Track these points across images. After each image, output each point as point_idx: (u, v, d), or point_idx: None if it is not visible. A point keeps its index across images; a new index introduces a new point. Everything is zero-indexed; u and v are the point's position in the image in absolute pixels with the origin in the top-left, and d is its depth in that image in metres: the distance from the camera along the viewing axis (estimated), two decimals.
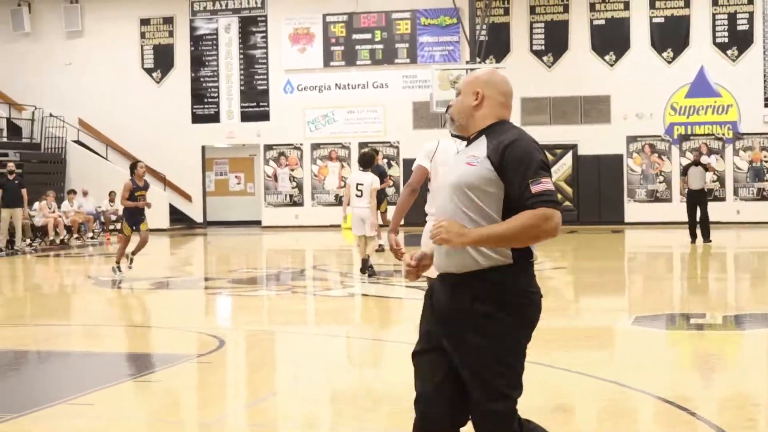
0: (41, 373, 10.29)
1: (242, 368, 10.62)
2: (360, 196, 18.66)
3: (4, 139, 36.74)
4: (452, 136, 5.53)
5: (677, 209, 33.69)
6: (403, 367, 9.77)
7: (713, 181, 33.47)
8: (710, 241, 25.82)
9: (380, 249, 22.40)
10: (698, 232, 26.03)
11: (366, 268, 18.89)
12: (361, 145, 36.58)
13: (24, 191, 28.05)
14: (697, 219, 26.04)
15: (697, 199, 26.10)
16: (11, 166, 28.79)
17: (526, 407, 8.21)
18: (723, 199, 33.64)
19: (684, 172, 26.87)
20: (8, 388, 9.66)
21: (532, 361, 9.95)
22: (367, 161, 19.11)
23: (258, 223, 37.74)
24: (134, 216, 19.95)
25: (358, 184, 18.74)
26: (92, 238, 32.32)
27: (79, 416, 8.28)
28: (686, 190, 26.45)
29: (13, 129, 38.25)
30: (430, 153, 8.04)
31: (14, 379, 10.11)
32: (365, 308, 15.74)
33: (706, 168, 27.53)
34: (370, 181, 18.64)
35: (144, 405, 8.89)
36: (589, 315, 14.21)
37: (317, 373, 10.21)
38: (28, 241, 28.79)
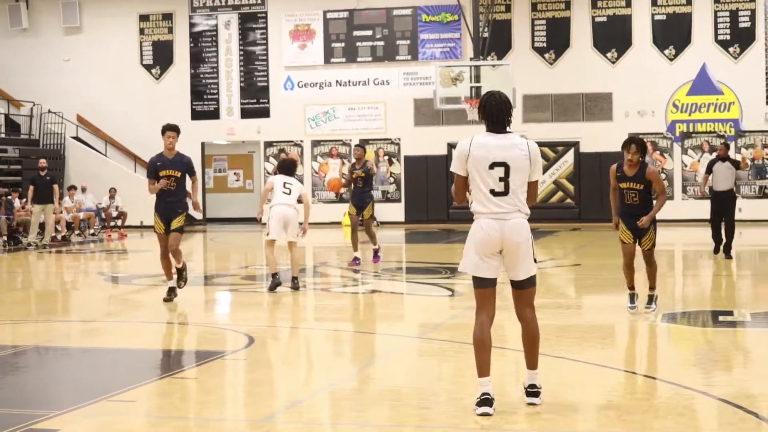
0: (80, 369, 10.18)
1: (278, 365, 10.50)
2: (288, 194, 16.53)
3: (3, 135, 36.57)
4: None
5: (679, 207, 33.78)
6: (437, 363, 9.70)
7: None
8: (731, 257, 21.20)
9: (354, 262, 20.56)
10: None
11: (275, 284, 16.44)
12: (362, 142, 36.50)
13: (55, 187, 28.41)
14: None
15: (723, 203, 21.39)
16: (43, 162, 28.88)
17: (578, 404, 8.18)
18: None
19: (708, 169, 21.87)
20: (49, 384, 9.54)
21: (581, 360, 9.95)
22: (288, 167, 16.96)
23: (257, 220, 37.54)
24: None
25: (285, 183, 16.59)
26: (93, 234, 32.19)
27: (123, 413, 8.17)
28: (708, 189, 22.09)
29: (12, 125, 38.07)
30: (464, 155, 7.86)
31: (54, 375, 9.99)
32: (386, 304, 15.65)
33: (737, 165, 21.68)
34: (299, 187, 16.74)
35: (186, 402, 8.77)
36: (616, 312, 14.10)
37: (354, 369, 10.12)
38: (32, 237, 28.64)
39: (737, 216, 21.90)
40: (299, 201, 16.64)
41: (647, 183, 12.70)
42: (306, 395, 8.94)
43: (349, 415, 7.94)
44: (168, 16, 38.63)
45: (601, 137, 34.62)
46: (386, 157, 36.72)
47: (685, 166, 34.64)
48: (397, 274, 20.11)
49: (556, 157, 35.18)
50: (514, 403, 8.18)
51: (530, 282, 8.11)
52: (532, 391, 8.04)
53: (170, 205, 14.91)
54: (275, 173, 17.38)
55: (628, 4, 35.07)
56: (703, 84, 34.41)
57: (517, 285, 8.11)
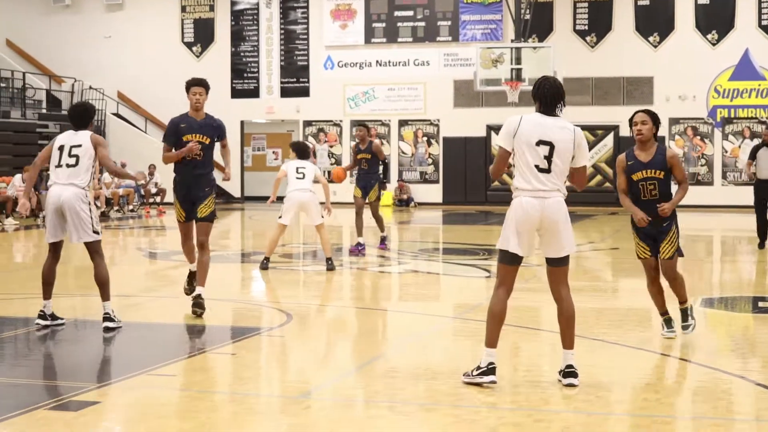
0: (119, 343, 10.23)
1: (315, 343, 10.54)
2: (302, 178, 16.27)
3: (44, 111, 36.76)
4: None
5: (718, 193, 33.69)
6: (473, 343, 9.73)
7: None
8: (763, 246, 19.96)
9: (383, 245, 19.78)
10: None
11: (264, 267, 16.41)
12: (401, 122, 36.55)
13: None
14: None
15: (766, 191, 19.78)
16: None
17: (616, 383, 8.19)
18: None
19: (752, 155, 20.06)
20: (88, 358, 9.63)
21: (617, 342, 9.94)
22: (302, 150, 16.92)
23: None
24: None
25: (298, 168, 16.36)
26: (132, 210, 32.36)
27: (164, 387, 8.23)
28: (754, 178, 20.12)
29: (53, 101, 38.28)
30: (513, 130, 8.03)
31: (93, 349, 10.08)
32: (423, 284, 15.67)
33: None
34: (312, 169, 16.49)
35: (224, 378, 8.83)
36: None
37: (391, 348, 10.15)
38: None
39: None
40: (316, 181, 16.45)
41: (668, 170, 9.83)
42: (343, 373, 8.98)
43: (385, 393, 7.96)
44: None
45: None
46: (425, 138, 36.68)
47: (726, 151, 34.43)
48: (434, 255, 20.12)
49: (596, 140, 35.05)
50: (549, 384, 8.18)
51: (566, 260, 8.26)
52: (570, 371, 8.11)
53: (196, 180, 11.96)
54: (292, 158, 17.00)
55: None
56: (745, 69, 34.17)
57: (553, 263, 8.23)
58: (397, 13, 36.89)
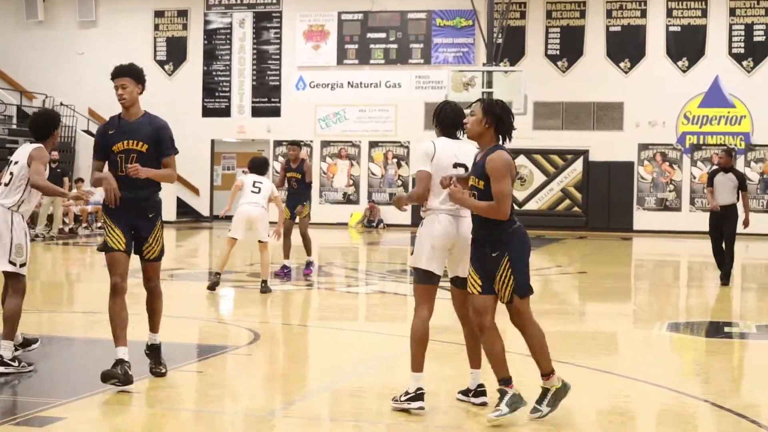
0: (85, 360, 10.21)
1: (282, 362, 10.54)
2: (257, 193, 15.92)
3: (15, 127, 36.60)
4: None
5: (686, 218, 33.84)
6: (440, 365, 9.69)
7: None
8: (727, 283, 18.14)
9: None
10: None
11: (214, 283, 15.96)
12: (372, 144, 36.65)
13: (65, 180, 28.53)
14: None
15: (722, 219, 18.01)
16: (54, 154, 28.95)
17: (583, 409, 8.21)
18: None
19: (710, 181, 18.33)
20: (54, 374, 9.59)
21: (583, 366, 9.97)
22: (259, 166, 16.37)
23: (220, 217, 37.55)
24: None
25: (255, 182, 16.01)
26: (101, 227, 32.24)
27: (130, 404, 8.21)
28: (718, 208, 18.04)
29: (24, 117, 38.02)
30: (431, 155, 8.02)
31: (59, 365, 10.03)
32: (390, 305, 15.67)
33: (743, 181, 18.24)
34: (270, 186, 16.13)
35: (191, 395, 8.81)
36: (621, 320, 14.16)
37: (357, 368, 10.15)
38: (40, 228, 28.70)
39: (745, 230, 19.69)
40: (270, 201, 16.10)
41: (487, 179, 7.62)
42: (309, 392, 8.97)
43: (351, 412, 7.97)
44: (183, 13, 38.72)
45: (610, 146, 34.70)
46: (395, 160, 36.75)
47: (694, 178, 34.61)
48: (402, 276, 20.13)
49: (565, 165, 35.20)
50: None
51: None
52: (481, 390, 8.18)
53: (135, 204, 9.02)
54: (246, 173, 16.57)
55: (643, 15, 35.08)
56: (715, 96, 34.41)
57: (461, 284, 8.24)
58: (369, 35, 36.98)
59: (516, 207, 34.63)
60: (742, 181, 18.12)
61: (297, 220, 18.30)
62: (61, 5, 39.44)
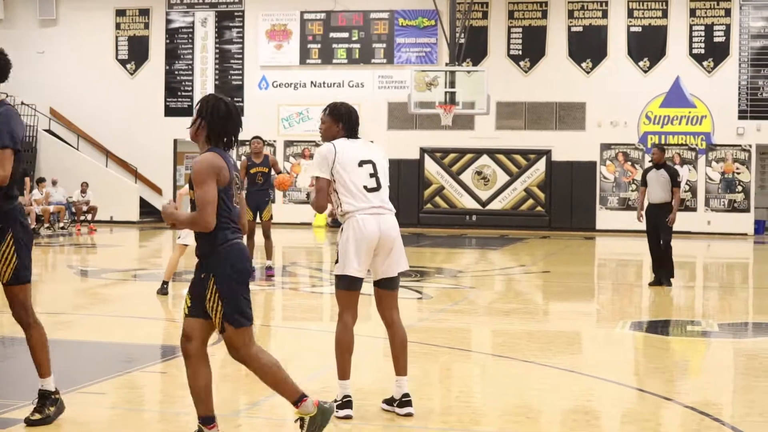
0: (51, 361, 10.12)
1: None
2: None
3: None
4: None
5: None
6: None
7: (685, 191, 33.67)
8: (670, 284, 17.80)
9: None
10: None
11: (163, 292, 15.56)
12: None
13: (26, 179, 28.32)
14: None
15: (656, 219, 17.66)
16: None
17: (547, 408, 8.25)
18: (694, 210, 33.81)
19: (643, 179, 18.02)
20: (15, 375, 9.54)
21: (547, 365, 10.01)
22: None
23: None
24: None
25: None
26: (62, 228, 32.08)
27: (94, 405, 8.18)
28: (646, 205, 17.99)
29: None
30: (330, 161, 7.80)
31: (25, 366, 9.96)
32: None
33: (675, 176, 17.58)
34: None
35: (155, 396, 8.79)
36: (584, 319, 14.23)
37: (321, 368, 10.15)
38: None
39: (707, 229, 19.64)
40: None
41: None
42: (273, 392, 8.95)
43: (372, 416, 7.94)
44: (144, 12, 38.53)
45: (573, 146, 34.80)
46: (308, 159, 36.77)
47: None
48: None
49: (528, 164, 35.29)
50: (480, 405, 8.22)
51: (398, 283, 8.14)
52: (407, 400, 7.91)
53: None
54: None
55: (605, 15, 35.22)
56: (676, 97, 34.59)
57: (387, 285, 8.10)
58: (332, 35, 36.95)
59: (480, 207, 35.16)
60: (673, 177, 17.54)
61: (259, 219, 18.07)
62: (21, 3, 39.15)
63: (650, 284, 17.96)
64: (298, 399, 6.85)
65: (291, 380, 6.86)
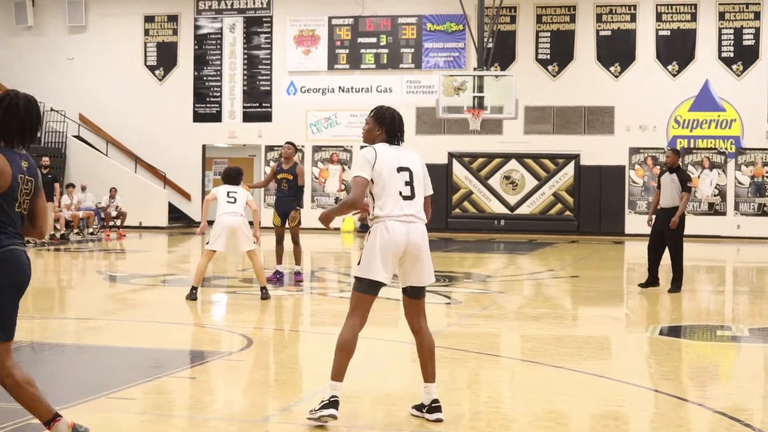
0: (77, 366, 10.19)
1: (275, 367, 10.52)
2: (233, 203, 15.53)
3: None
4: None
5: None
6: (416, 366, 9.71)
7: (714, 195, 33.55)
8: (675, 290, 17.44)
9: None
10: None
11: (193, 297, 15.50)
12: (362, 148, 36.55)
13: (56, 185, 28.51)
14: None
15: (664, 223, 17.15)
16: (45, 160, 29.00)
17: (577, 413, 8.22)
18: (724, 214, 33.63)
19: (658, 183, 17.58)
20: (46, 380, 9.55)
21: (577, 370, 9.97)
22: (231, 176, 15.85)
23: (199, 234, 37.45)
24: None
25: (229, 192, 15.64)
26: (92, 233, 32.20)
27: (123, 410, 8.19)
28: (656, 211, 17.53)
29: None
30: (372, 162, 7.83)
31: (55, 371, 10.01)
32: (382, 310, 15.66)
33: (685, 181, 17.04)
34: (244, 194, 15.64)
35: (184, 401, 8.80)
36: (614, 324, 14.18)
37: (350, 373, 10.14)
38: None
39: (737, 233, 18.98)
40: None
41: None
42: (303, 397, 8.96)
43: (344, 417, 7.94)
44: (173, 18, 38.69)
45: (601, 150, 34.74)
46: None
47: None
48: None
49: (557, 169, 35.23)
50: (509, 411, 8.20)
51: (425, 291, 8.15)
52: (436, 406, 7.88)
53: None
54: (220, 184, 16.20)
55: (633, 19, 35.14)
56: (705, 100, 34.46)
57: (414, 294, 8.12)
58: (360, 40, 37.00)
59: (508, 211, 35.09)
60: (683, 181, 17.00)
61: (287, 225, 18.01)
62: (50, 10, 39.39)
63: (640, 285, 17.73)
64: (50, 419, 6.50)
65: (45, 400, 6.50)
